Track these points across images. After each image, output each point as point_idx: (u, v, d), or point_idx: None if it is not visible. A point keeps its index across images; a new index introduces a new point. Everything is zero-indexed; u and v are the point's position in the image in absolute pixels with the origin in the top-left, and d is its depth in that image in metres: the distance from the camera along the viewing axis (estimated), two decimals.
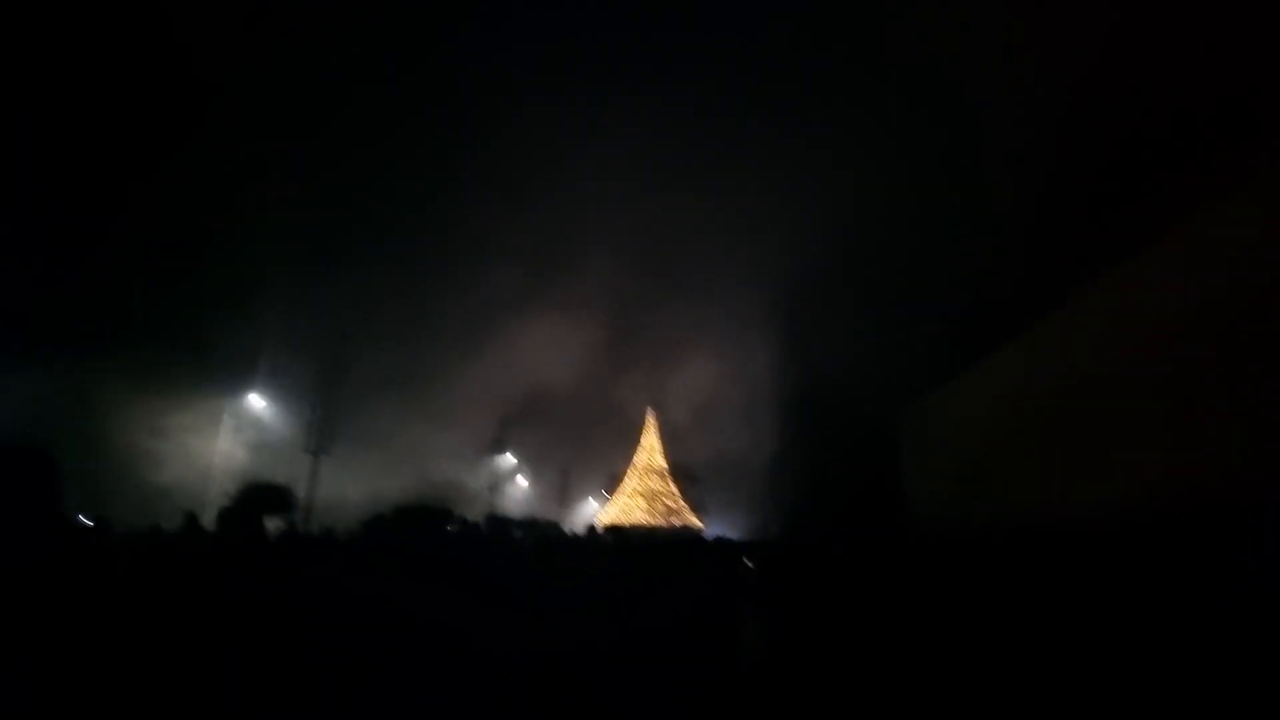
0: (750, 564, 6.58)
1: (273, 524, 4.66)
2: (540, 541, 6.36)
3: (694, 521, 37.02)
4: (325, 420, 19.69)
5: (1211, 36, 10.96)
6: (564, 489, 36.70)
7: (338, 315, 23.68)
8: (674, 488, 39.13)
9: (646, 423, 40.60)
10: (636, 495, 38.90)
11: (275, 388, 21.68)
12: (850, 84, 22.91)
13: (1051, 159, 14.71)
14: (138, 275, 19.96)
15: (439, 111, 29.06)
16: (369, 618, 3.18)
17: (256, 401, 21.70)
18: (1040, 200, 14.79)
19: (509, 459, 30.58)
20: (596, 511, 38.00)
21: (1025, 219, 15.07)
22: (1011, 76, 16.40)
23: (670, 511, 38.43)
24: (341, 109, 27.01)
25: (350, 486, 19.83)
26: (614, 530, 7.26)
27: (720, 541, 8.82)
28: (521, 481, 33.37)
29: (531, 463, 33.75)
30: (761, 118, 30.73)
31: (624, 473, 39.65)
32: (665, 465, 39.65)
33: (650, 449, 40.07)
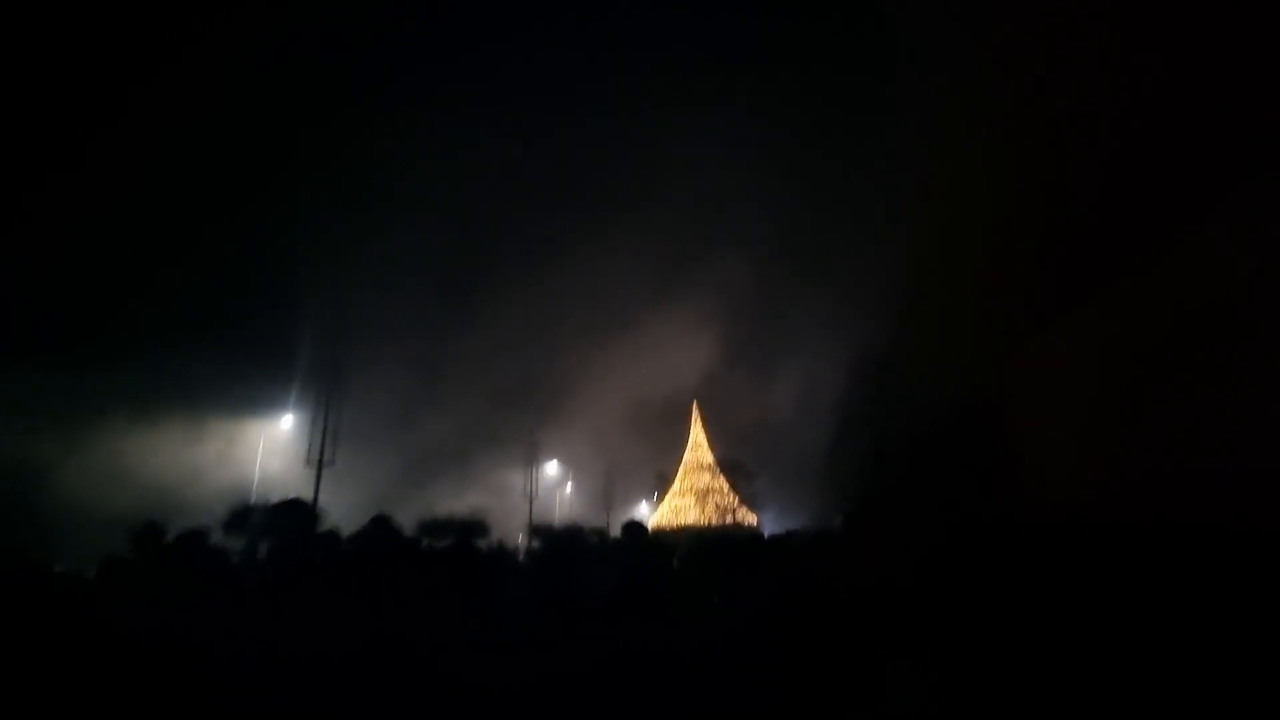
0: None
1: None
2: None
3: (750, 519, 35.08)
4: (326, 431, 19.59)
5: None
6: (608, 492, 35.24)
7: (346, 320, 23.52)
8: (725, 483, 37.20)
9: (692, 416, 38.80)
10: (687, 494, 37.11)
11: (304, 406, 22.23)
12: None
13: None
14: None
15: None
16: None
17: (289, 422, 22.31)
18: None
19: (555, 465, 29.39)
20: (645, 515, 36.41)
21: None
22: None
23: (723, 509, 36.47)
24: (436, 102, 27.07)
25: (372, 499, 19.82)
26: (632, 525, 6.23)
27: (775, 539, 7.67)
28: (569, 488, 32.18)
29: (579, 467, 32.54)
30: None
31: (673, 472, 37.94)
32: (713, 460, 37.76)
33: (697, 444, 38.24)
